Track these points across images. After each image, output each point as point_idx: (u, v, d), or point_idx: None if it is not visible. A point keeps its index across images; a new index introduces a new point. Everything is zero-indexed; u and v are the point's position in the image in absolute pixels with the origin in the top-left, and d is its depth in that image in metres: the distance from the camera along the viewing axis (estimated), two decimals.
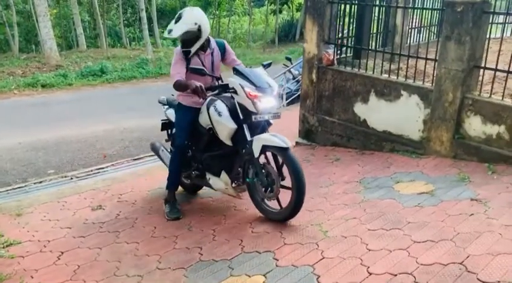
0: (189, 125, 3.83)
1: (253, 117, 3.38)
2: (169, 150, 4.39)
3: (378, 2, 6.30)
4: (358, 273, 2.62)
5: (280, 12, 25.51)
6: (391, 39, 6.49)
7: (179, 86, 3.62)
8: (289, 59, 10.45)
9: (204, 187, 4.22)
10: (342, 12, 5.69)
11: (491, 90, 4.27)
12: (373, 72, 5.25)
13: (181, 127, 3.87)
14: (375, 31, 6.39)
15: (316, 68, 5.75)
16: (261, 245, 3.10)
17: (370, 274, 2.58)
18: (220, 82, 3.70)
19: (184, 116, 3.86)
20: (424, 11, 6.84)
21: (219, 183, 3.75)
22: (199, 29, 3.58)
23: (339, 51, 5.86)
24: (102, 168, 5.98)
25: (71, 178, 5.51)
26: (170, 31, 3.62)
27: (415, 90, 4.76)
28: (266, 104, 3.38)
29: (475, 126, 4.30)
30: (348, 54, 5.95)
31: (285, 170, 3.33)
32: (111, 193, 4.69)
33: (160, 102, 4.40)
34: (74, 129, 8.51)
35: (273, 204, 3.51)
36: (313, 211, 3.61)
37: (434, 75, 4.57)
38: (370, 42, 6.18)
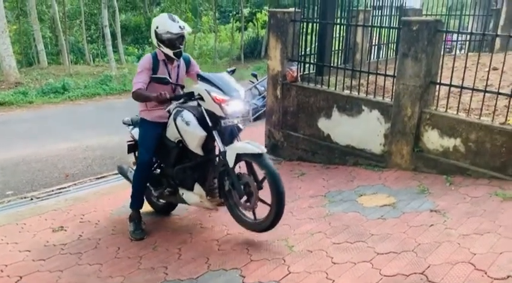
0: (153, 140, 3.71)
1: (222, 122, 3.31)
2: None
3: (339, 21, 6.48)
4: None
5: (246, 29, 25.82)
6: (352, 56, 6.68)
7: (139, 96, 3.54)
8: (255, 76, 10.56)
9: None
10: (304, 30, 5.84)
11: (447, 105, 4.46)
12: (335, 88, 5.38)
13: (145, 142, 3.75)
14: (336, 48, 6.58)
15: (281, 85, 5.84)
16: (227, 262, 3.09)
17: None
18: (183, 90, 3.65)
19: (148, 131, 3.74)
20: (383, 29, 7.10)
21: (193, 197, 3.62)
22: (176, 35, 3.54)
23: (302, 68, 5.98)
24: (64, 187, 5.80)
25: (31, 199, 5.31)
26: (183, 27, 3.49)
27: (375, 106, 4.91)
28: (234, 107, 3.30)
29: (433, 139, 4.47)
30: (311, 71, 6.08)
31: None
32: (73, 213, 4.56)
33: (125, 123, 4.24)
34: (34, 149, 8.23)
35: (248, 214, 3.42)
36: (280, 226, 3.60)
37: (394, 90, 4.73)
38: (332, 59, 6.34)
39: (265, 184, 3.19)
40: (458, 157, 4.30)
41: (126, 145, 4.18)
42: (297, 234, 3.44)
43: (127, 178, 4.31)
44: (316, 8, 6.18)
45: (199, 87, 3.37)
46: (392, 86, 4.77)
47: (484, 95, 4.25)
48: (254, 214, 3.35)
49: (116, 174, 6.43)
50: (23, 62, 20.30)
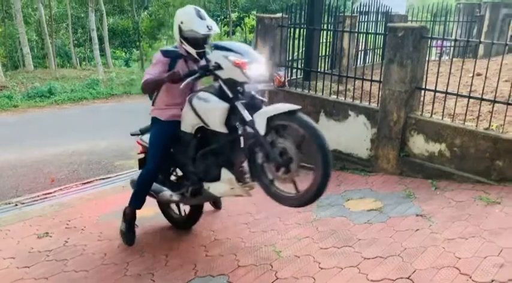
0: (166, 141, 3.35)
1: (245, 86, 2.98)
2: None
3: (325, 26, 6.53)
4: None
5: (234, 33, 25.85)
6: (339, 62, 6.73)
7: (149, 84, 3.18)
8: None
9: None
10: (291, 36, 5.87)
11: (432, 110, 4.52)
12: (323, 93, 5.42)
13: (158, 147, 3.36)
14: (324, 54, 6.63)
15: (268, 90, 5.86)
16: (215, 269, 3.08)
17: None
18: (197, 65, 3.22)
19: (161, 131, 3.36)
20: (370, 34, 7.17)
21: (221, 187, 3.18)
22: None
23: (289, 73, 6.01)
24: (50, 193, 5.73)
25: (16, 205, 5.23)
26: (210, 27, 3.13)
27: (362, 111, 4.96)
28: (256, 70, 2.93)
29: (419, 144, 4.52)
30: (299, 76, 6.12)
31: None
32: (59, 219, 4.50)
33: (133, 135, 3.84)
34: (19, 153, 8.12)
35: (286, 187, 2.93)
36: (267, 232, 3.63)
37: (380, 96, 4.78)
38: (320, 64, 6.39)
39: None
40: (444, 162, 4.35)
41: (137, 160, 3.76)
42: (285, 239, 3.44)
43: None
44: (303, 13, 6.22)
45: (215, 54, 3.02)
46: (379, 91, 4.82)
47: (468, 101, 4.32)
48: (296, 185, 2.84)
49: (103, 178, 6.41)
50: (8, 66, 20.07)
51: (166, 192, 3.55)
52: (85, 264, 3.44)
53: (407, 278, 2.64)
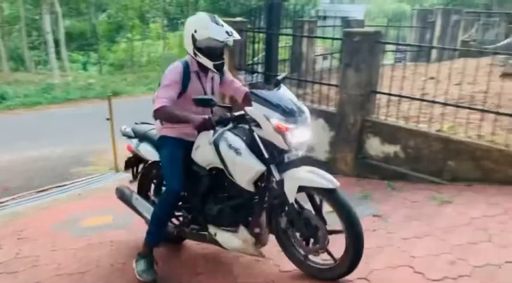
0: (182, 162, 2.91)
1: (285, 156, 2.61)
2: (138, 193, 3.47)
3: (285, 31, 6.60)
4: None
5: None
6: (298, 66, 6.82)
7: (166, 115, 2.76)
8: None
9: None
10: (252, 40, 5.90)
11: (387, 113, 4.65)
12: None
13: (175, 167, 2.90)
14: (283, 58, 6.70)
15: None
16: (174, 276, 3.02)
17: None
18: (231, 113, 2.76)
19: (175, 152, 2.92)
20: (328, 39, 7.32)
21: (233, 241, 2.83)
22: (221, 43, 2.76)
23: (250, 77, 6.03)
24: (2, 202, 5.49)
25: None
26: (230, 33, 2.73)
27: (321, 114, 5.03)
28: (299, 136, 2.55)
29: (375, 146, 4.64)
30: (259, 80, 6.15)
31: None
32: (11, 229, 4.31)
33: (125, 135, 3.46)
34: None
35: (322, 258, 2.74)
36: None
37: (337, 99, 4.88)
38: (280, 68, 6.45)
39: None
40: (399, 163, 4.48)
41: (124, 160, 3.53)
42: None
43: (130, 206, 3.44)
44: (263, 18, 6.27)
45: (254, 111, 2.57)
46: (336, 95, 4.91)
47: (421, 103, 4.47)
48: (330, 254, 2.64)
49: (59, 186, 6.20)
50: None
51: None
52: (37, 275, 3.30)
53: (365, 278, 2.69)
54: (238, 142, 2.64)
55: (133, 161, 3.50)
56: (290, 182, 2.53)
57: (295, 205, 2.61)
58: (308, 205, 2.67)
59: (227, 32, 2.72)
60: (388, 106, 4.64)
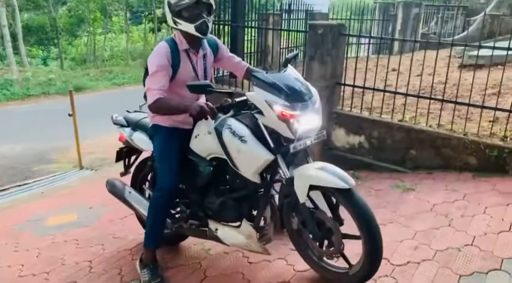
0: (177, 154, 2.67)
1: (291, 146, 2.30)
2: (136, 190, 3.23)
3: (250, 24, 6.59)
4: None
5: (159, 30, 25.27)
6: (264, 59, 6.83)
7: (164, 108, 2.50)
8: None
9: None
10: (216, 33, 5.86)
11: (352, 104, 4.74)
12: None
13: (169, 160, 2.67)
14: (249, 51, 6.69)
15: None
16: None
17: None
18: (232, 99, 2.48)
19: (169, 144, 2.68)
20: (294, 32, 7.37)
21: (236, 237, 2.62)
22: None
23: (216, 71, 5.99)
24: None
25: None
26: None
27: None
28: (307, 124, 2.30)
29: (340, 137, 4.72)
30: (225, 74, 6.12)
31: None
32: None
33: (116, 124, 3.24)
34: None
35: (339, 262, 2.53)
36: None
37: None
38: (246, 61, 6.43)
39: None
40: (363, 153, 4.58)
41: (116, 151, 3.34)
42: None
43: (123, 200, 3.21)
44: (227, 10, 6.24)
45: (255, 96, 2.32)
46: None
47: (384, 94, 4.57)
48: (346, 259, 2.43)
49: (20, 185, 6.00)
50: None
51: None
52: (0, 277, 3.20)
53: None
54: (243, 130, 2.37)
55: (125, 152, 3.30)
56: (300, 181, 2.30)
57: (308, 204, 2.39)
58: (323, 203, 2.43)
59: None
60: (352, 97, 4.73)
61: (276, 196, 2.56)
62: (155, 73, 2.49)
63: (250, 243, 2.58)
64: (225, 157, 2.47)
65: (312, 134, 2.39)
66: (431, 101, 4.33)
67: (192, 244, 3.33)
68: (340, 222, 2.40)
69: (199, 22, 2.45)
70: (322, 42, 4.63)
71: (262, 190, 2.52)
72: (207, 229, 2.77)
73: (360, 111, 4.65)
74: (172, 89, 2.55)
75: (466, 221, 3.10)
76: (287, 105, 2.24)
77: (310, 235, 2.46)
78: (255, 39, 6.84)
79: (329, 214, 2.41)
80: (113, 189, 3.28)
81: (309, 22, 5.38)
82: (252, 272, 2.82)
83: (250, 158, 2.36)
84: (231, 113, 2.43)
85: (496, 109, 4.08)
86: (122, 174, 3.37)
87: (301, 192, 2.30)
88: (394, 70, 5.84)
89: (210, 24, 2.50)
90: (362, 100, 4.69)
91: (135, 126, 3.09)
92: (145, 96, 2.64)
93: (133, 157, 3.35)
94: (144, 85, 2.62)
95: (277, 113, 2.23)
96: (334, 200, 2.40)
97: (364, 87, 4.63)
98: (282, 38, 7.22)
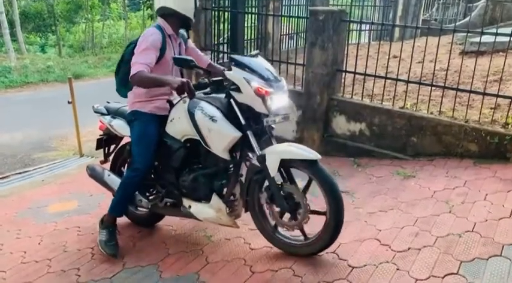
0: (155, 140, 2.93)
1: (264, 120, 2.60)
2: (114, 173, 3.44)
3: (250, 10, 6.53)
4: (241, 273, 2.68)
5: None
6: (264, 45, 6.78)
7: (145, 80, 2.70)
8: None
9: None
10: (216, 19, 5.80)
11: (353, 91, 4.72)
12: None
13: (145, 144, 2.92)
14: (249, 37, 6.64)
15: (195, 74, 5.77)
16: (144, 259, 3.01)
17: (253, 273, 2.67)
18: (209, 78, 2.79)
19: (147, 128, 2.93)
20: (294, 18, 7.30)
21: (207, 212, 2.86)
22: None
23: (216, 57, 5.95)
24: None
25: None
26: None
27: (288, 94, 5.04)
28: (279, 102, 2.60)
29: (341, 124, 4.71)
30: (225, 60, 6.08)
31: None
32: None
33: (97, 112, 3.43)
34: None
35: (294, 234, 2.81)
36: None
37: (303, 79, 4.90)
38: (246, 47, 6.39)
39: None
40: (364, 141, 4.58)
41: (96, 139, 3.50)
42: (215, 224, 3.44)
43: (103, 183, 3.43)
44: None
45: (234, 74, 2.59)
46: (302, 74, 4.93)
47: (385, 81, 4.55)
48: (303, 232, 2.71)
49: (20, 172, 6.00)
50: None
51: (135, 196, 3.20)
52: (2, 264, 3.21)
53: (333, 252, 2.75)
54: (214, 111, 2.65)
55: (105, 141, 3.46)
56: (272, 156, 2.54)
57: (278, 179, 2.62)
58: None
59: None
60: (353, 85, 4.71)
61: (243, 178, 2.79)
62: (146, 50, 2.73)
63: (220, 217, 2.82)
64: (197, 137, 2.74)
65: (282, 112, 2.66)
66: (433, 88, 4.32)
67: (193, 231, 3.34)
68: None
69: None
70: (323, 29, 4.59)
71: (232, 167, 2.80)
72: (181, 207, 3.00)
73: (361, 98, 4.63)
74: (156, 70, 2.78)
75: (466, 208, 3.11)
76: (262, 82, 2.53)
77: (277, 208, 2.67)
78: (255, 25, 6.79)
79: (300, 191, 2.64)
80: (93, 173, 3.49)
81: (309, 8, 5.33)
82: (253, 258, 2.83)
83: (219, 136, 2.63)
84: (208, 90, 2.74)
85: (497, 96, 4.07)
86: (102, 162, 3.56)
87: (272, 166, 2.54)
88: (395, 57, 5.80)
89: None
90: (363, 87, 4.67)
91: (115, 113, 3.31)
92: (118, 90, 3.12)
93: (112, 146, 3.52)
94: (116, 75, 3.02)
95: (254, 89, 2.50)
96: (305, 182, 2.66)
97: (365, 74, 4.60)
98: (283, 24, 7.16)
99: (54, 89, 13.26)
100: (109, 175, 3.41)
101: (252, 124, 2.63)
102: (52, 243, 3.46)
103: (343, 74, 4.82)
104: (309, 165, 2.54)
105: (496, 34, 3.97)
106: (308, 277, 2.52)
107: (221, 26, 6.02)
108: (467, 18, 9.09)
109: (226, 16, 6.17)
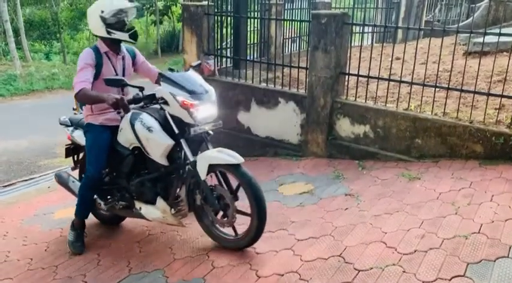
0: (104, 149, 3.22)
1: (191, 129, 2.88)
2: (79, 180, 3.77)
3: (252, 14, 6.55)
4: (247, 277, 2.68)
5: (161, 22, 25.17)
6: (267, 49, 6.79)
7: (86, 97, 2.99)
8: (172, 70, 10.35)
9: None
10: (219, 24, 5.83)
11: (356, 94, 4.71)
12: (253, 82, 5.45)
13: (96, 153, 3.22)
14: (252, 42, 6.66)
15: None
16: (149, 264, 3.02)
17: (259, 277, 2.67)
18: (143, 93, 3.02)
19: (97, 139, 3.22)
20: (297, 22, 7.31)
21: (154, 213, 3.16)
22: (126, 12, 3.12)
23: (219, 62, 5.98)
24: None
25: None
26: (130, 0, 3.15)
27: (291, 97, 5.06)
28: (204, 112, 2.90)
29: (345, 127, 4.70)
30: (228, 65, 6.10)
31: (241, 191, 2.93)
32: None
33: (62, 124, 3.76)
34: None
35: (227, 230, 3.08)
36: None
37: (307, 82, 4.90)
38: (249, 52, 6.41)
39: (242, 194, 2.92)
40: (368, 143, 4.57)
41: (64, 148, 3.77)
42: None
43: (68, 189, 3.80)
44: (229, 1, 6.20)
45: (162, 90, 2.92)
46: (306, 78, 4.94)
47: (389, 83, 4.54)
48: (234, 229, 3.01)
49: (26, 179, 6.03)
50: None
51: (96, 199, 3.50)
52: (9, 271, 3.24)
53: (339, 256, 2.75)
54: (151, 121, 2.98)
55: (72, 149, 3.76)
56: (201, 162, 2.84)
57: (209, 184, 2.94)
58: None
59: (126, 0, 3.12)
60: (356, 87, 4.70)
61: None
62: (82, 69, 3.04)
63: (166, 217, 3.12)
64: (140, 146, 3.05)
65: (210, 121, 2.97)
66: (437, 89, 4.30)
67: (199, 235, 3.35)
68: (236, 198, 2.92)
69: (132, 31, 3.13)
70: (326, 32, 4.60)
71: (174, 171, 3.06)
72: (133, 208, 3.29)
73: (365, 101, 4.62)
74: (98, 86, 3.07)
75: (472, 209, 3.09)
76: (187, 96, 2.83)
77: (210, 208, 2.98)
78: (257, 29, 6.81)
79: (228, 192, 2.93)
80: (60, 180, 3.87)
81: (312, 11, 5.34)
82: (259, 262, 2.83)
83: (155, 144, 2.96)
84: (141, 104, 2.97)
85: (502, 96, 4.05)
86: (73, 169, 3.88)
87: (202, 170, 2.83)
88: (398, 59, 5.80)
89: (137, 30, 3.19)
90: (367, 89, 4.67)
91: (77, 125, 3.62)
92: (80, 106, 3.50)
93: (81, 154, 3.76)
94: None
95: (179, 102, 2.82)
96: (231, 180, 2.93)
97: (368, 77, 4.60)
98: (285, 28, 7.17)
99: (59, 96, 13.34)
100: (73, 181, 3.76)
101: (186, 133, 2.92)
102: (58, 249, 3.49)
103: (347, 76, 4.81)
104: (234, 169, 2.80)
105: (500, 34, 3.96)
106: (314, 281, 2.52)
107: (224, 30, 6.04)
108: (470, 19, 9.06)
109: (229, 21, 6.20)
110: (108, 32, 3.09)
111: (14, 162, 7.06)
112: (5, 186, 5.78)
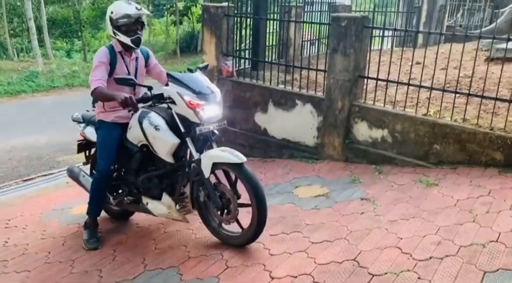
0: (114, 145, 3.35)
1: (197, 129, 2.99)
2: (90, 175, 3.87)
3: (272, 16, 6.56)
4: (261, 278, 2.69)
5: (181, 23, 25.37)
6: (286, 51, 6.79)
7: (100, 95, 3.14)
8: (190, 71, 10.43)
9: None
10: (239, 25, 5.86)
11: (375, 98, 4.68)
12: (270, 83, 5.46)
13: (106, 149, 3.35)
14: (271, 43, 6.67)
15: (216, 80, 5.82)
16: (164, 261, 3.05)
17: (273, 278, 2.67)
18: (151, 92, 3.14)
19: (108, 135, 3.36)
20: (316, 24, 7.29)
21: (160, 208, 3.27)
22: (141, 17, 3.23)
23: (237, 63, 6.00)
24: None
25: None
26: (139, 8, 3.20)
27: (308, 100, 5.05)
28: (210, 112, 3.01)
29: (362, 131, 4.67)
30: (247, 66, 6.12)
31: (240, 187, 3.01)
32: None
33: (75, 121, 3.86)
34: None
35: (233, 228, 3.15)
36: None
37: (325, 85, 4.89)
38: (267, 54, 6.42)
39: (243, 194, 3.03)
40: (386, 147, 4.53)
41: (76, 144, 3.86)
42: None
43: (79, 183, 3.90)
44: (249, 2, 6.22)
45: (169, 90, 3.02)
46: (324, 80, 4.92)
47: (408, 88, 4.50)
48: (239, 224, 3.10)
49: (46, 174, 6.14)
50: None
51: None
52: (27, 264, 3.30)
53: (353, 260, 2.74)
54: (158, 120, 3.09)
55: (84, 145, 3.84)
56: (205, 160, 2.95)
57: (213, 181, 3.05)
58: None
59: (136, 8, 3.18)
60: (375, 91, 4.67)
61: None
62: (96, 67, 3.17)
63: (171, 212, 3.22)
64: (148, 144, 3.16)
65: (215, 120, 3.07)
66: (457, 95, 4.25)
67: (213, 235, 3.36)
68: (238, 196, 3.02)
69: (134, 37, 3.20)
70: (345, 35, 4.58)
71: (180, 169, 3.18)
72: (140, 204, 3.40)
73: (383, 105, 4.59)
74: (112, 84, 3.15)
75: (491, 217, 3.04)
76: (194, 96, 2.94)
77: (213, 205, 3.07)
78: (276, 31, 6.81)
79: (229, 188, 3.03)
80: (71, 174, 3.98)
81: (332, 14, 5.32)
82: (273, 264, 2.84)
83: (162, 143, 3.08)
84: (149, 103, 3.08)
85: None
86: (84, 163, 3.98)
87: (206, 168, 2.94)
88: (418, 63, 5.73)
89: (142, 38, 3.26)
90: (385, 93, 4.63)
91: (88, 122, 3.73)
92: (93, 103, 3.52)
93: (93, 150, 3.84)
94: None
95: (186, 102, 2.92)
96: (233, 178, 3.03)
97: (387, 80, 4.56)
98: (304, 30, 7.17)
99: (79, 93, 13.54)
100: (84, 176, 3.86)
101: (192, 131, 3.02)
102: (75, 244, 3.54)
103: (365, 80, 4.79)
104: (236, 167, 2.91)
105: None
106: None
107: (243, 32, 6.07)
108: (493, 24, 8.92)
109: (248, 22, 6.22)
110: (114, 33, 3.24)
111: (33, 157, 7.20)
112: (25, 180, 5.89)
